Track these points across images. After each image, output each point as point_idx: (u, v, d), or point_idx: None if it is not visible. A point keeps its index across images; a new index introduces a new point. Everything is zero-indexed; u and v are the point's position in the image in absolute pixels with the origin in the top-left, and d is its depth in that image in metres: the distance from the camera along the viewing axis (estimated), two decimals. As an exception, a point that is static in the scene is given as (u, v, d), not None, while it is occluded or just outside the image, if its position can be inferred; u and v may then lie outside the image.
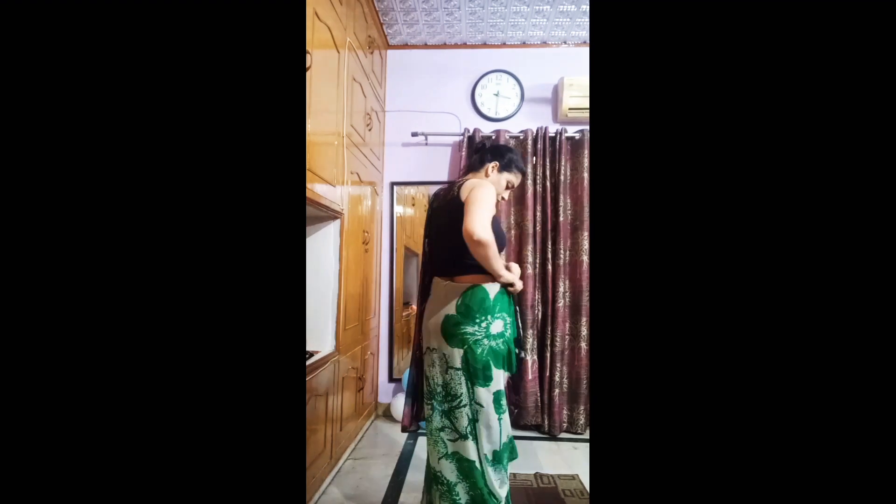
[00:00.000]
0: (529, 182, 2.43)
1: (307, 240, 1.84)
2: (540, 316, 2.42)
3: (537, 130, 2.45)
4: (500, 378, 1.24)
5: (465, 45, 2.68)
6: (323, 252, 1.86)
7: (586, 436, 2.33)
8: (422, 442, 2.17)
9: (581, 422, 2.38)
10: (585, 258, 2.41)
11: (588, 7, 2.30)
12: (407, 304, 2.78)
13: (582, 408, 2.39)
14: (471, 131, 2.49)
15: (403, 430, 1.44)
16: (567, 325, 2.42)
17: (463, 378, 1.24)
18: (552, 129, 2.47)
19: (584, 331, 2.38)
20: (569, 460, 2.02)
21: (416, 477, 1.83)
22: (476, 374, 1.21)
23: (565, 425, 2.40)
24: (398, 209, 2.70)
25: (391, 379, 2.66)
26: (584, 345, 2.38)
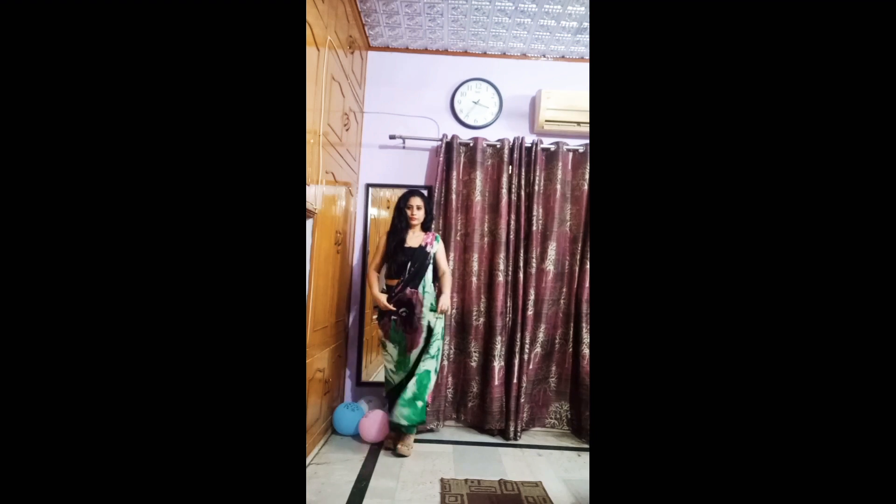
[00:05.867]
0: (504, 191, 2.46)
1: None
2: (510, 323, 2.44)
3: (514, 140, 2.49)
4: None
5: (446, 52, 2.70)
6: (293, 251, 1.82)
7: (551, 443, 2.36)
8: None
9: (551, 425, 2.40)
10: (551, 267, 2.45)
11: (567, 24, 2.36)
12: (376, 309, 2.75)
13: (552, 410, 2.42)
14: (449, 137, 2.51)
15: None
16: (536, 332, 2.45)
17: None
18: (528, 139, 2.51)
19: (542, 336, 2.46)
20: (532, 467, 2.04)
21: (379, 483, 1.81)
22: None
23: (530, 430, 2.42)
24: (373, 211, 2.68)
25: (359, 383, 2.62)
26: (539, 349, 2.46)
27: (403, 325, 2.11)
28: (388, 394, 2.22)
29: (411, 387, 2.10)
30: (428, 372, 2.14)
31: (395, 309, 2.10)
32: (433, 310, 2.16)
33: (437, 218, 2.45)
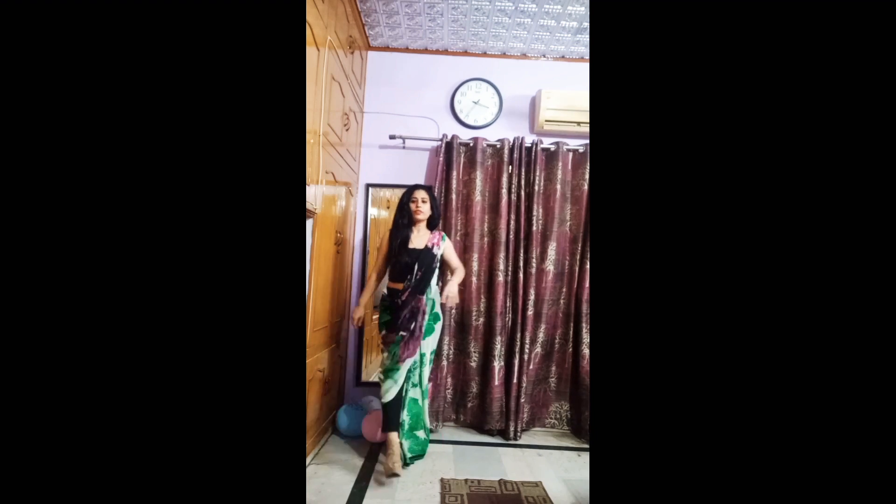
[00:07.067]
0: (504, 191, 2.46)
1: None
2: (510, 323, 2.44)
3: (514, 140, 2.49)
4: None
5: (446, 52, 2.70)
6: (293, 251, 1.82)
7: (551, 443, 2.36)
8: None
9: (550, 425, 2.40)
10: (551, 267, 2.45)
11: (567, 24, 2.36)
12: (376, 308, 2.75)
13: (551, 411, 2.41)
14: (449, 137, 2.51)
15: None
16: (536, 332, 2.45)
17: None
18: (528, 139, 2.51)
19: (542, 336, 2.46)
20: (533, 467, 2.04)
21: (379, 481, 1.81)
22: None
23: (530, 429, 2.42)
24: (373, 211, 2.68)
25: (358, 383, 2.62)
26: (539, 349, 2.46)
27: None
28: (385, 408, 1.96)
29: (404, 417, 1.99)
30: (415, 400, 2.04)
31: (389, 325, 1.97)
32: (434, 315, 2.04)
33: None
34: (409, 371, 2.00)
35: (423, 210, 2.05)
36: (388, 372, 1.95)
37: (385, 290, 2.09)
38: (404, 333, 1.91)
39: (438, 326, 2.09)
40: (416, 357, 2.01)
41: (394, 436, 1.91)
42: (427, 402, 2.11)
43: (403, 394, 1.99)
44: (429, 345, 2.06)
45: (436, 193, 2.46)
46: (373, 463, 1.99)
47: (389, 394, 1.94)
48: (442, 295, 1.99)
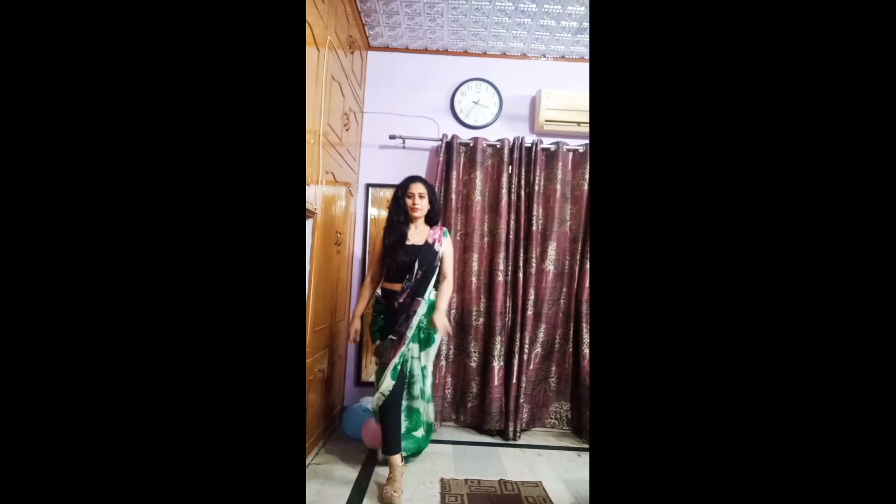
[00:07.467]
0: (504, 191, 2.46)
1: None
2: (510, 323, 2.44)
3: (514, 140, 2.49)
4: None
5: (446, 52, 2.70)
6: (293, 251, 1.81)
7: (551, 443, 2.36)
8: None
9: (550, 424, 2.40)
10: (551, 267, 2.45)
11: (567, 24, 2.36)
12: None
13: (551, 411, 2.41)
14: (449, 137, 2.51)
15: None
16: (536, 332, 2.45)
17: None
18: (528, 139, 2.51)
19: (542, 336, 2.45)
20: (533, 467, 2.04)
21: (379, 482, 1.80)
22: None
23: (530, 429, 2.42)
24: (373, 211, 2.68)
25: (357, 383, 2.62)
26: (539, 349, 2.45)
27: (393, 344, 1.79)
28: (383, 426, 1.81)
29: (403, 422, 1.87)
30: (417, 409, 1.92)
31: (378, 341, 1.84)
32: (427, 324, 1.83)
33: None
34: (407, 381, 1.86)
35: (421, 206, 1.83)
36: (377, 382, 1.80)
37: (379, 292, 1.91)
38: (393, 338, 1.77)
39: (439, 337, 1.91)
40: (410, 365, 1.86)
41: (396, 459, 1.73)
42: (430, 405, 2.00)
43: (401, 407, 1.84)
44: (430, 356, 1.91)
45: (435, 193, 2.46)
46: (373, 464, 1.99)
47: (378, 403, 1.79)
48: (433, 323, 1.76)
